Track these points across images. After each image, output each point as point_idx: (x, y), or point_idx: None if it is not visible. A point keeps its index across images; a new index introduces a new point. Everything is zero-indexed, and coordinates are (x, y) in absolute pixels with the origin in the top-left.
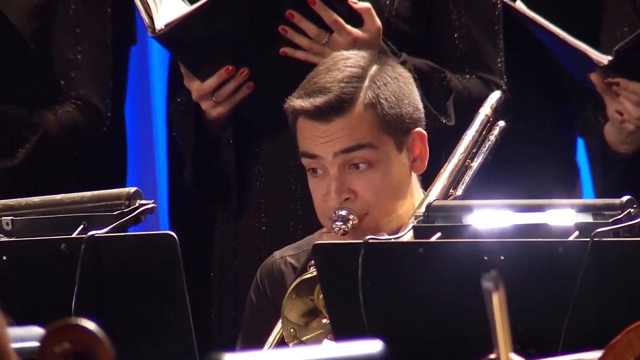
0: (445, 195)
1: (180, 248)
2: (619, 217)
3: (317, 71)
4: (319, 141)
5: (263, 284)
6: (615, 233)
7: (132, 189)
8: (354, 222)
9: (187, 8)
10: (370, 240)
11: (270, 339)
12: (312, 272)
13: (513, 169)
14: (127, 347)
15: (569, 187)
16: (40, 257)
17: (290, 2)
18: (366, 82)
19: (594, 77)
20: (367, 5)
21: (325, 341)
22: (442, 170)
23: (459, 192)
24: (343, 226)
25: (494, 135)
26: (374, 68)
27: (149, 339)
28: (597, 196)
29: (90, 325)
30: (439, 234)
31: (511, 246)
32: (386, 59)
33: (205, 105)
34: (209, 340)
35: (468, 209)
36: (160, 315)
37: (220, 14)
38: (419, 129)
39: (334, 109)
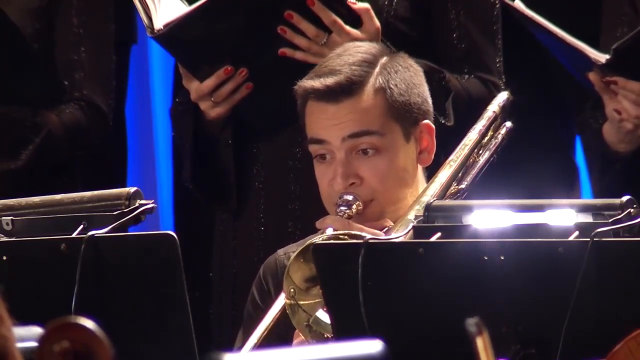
0: (448, 187)
1: (180, 248)
2: (619, 217)
3: (329, 57)
4: (327, 124)
5: (266, 281)
6: (615, 233)
7: (132, 189)
8: (359, 207)
9: (186, 8)
10: (370, 240)
11: (267, 318)
12: (323, 236)
13: (512, 169)
14: (127, 347)
15: (567, 187)
16: (40, 257)
17: (289, 3)
18: (377, 68)
19: (592, 76)
20: (366, 5)
21: (320, 311)
22: (446, 162)
23: (463, 186)
24: (347, 210)
25: (500, 135)
26: (386, 57)
27: (149, 339)
28: (595, 196)
29: (89, 324)
30: (439, 234)
31: (511, 246)
32: (397, 52)
33: (204, 105)
34: (209, 340)
35: (468, 209)
36: (160, 315)
37: (219, 14)
38: (427, 121)
39: (344, 89)
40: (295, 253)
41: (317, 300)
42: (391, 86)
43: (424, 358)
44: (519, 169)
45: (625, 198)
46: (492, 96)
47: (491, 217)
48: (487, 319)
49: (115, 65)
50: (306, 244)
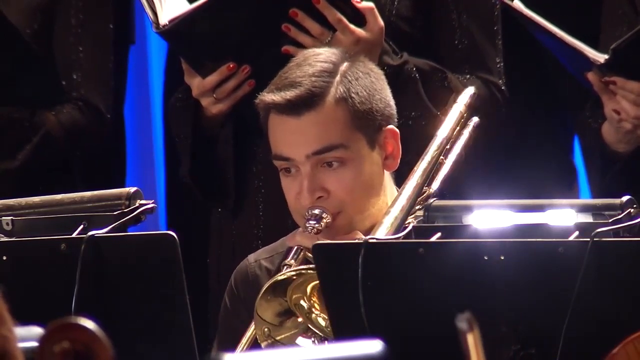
0: (420, 192)
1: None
2: (619, 217)
3: (288, 67)
4: (290, 139)
5: (237, 288)
6: (615, 233)
7: (132, 189)
8: (328, 220)
9: (192, 4)
10: (370, 240)
11: (244, 340)
12: (285, 273)
13: (510, 170)
14: (127, 347)
15: (566, 188)
16: (40, 257)
17: (294, 1)
18: (337, 77)
19: (591, 76)
20: (371, 4)
21: (299, 339)
22: (415, 168)
23: (433, 189)
24: (317, 225)
25: (467, 132)
26: (345, 64)
27: (149, 339)
28: (594, 196)
29: (89, 324)
30: (439, 234)
31: (511, 246)
32: (357, 56)
33: (205, 101)
34: (206, 340)
35: (468, 209)
36: (160, 315)
37: (224, 11)
38: (391, 126)
39: (305, 102)
40: (260, 294)
41: (293, 332)
42: (352, 95)
43: (423, 358)
44: (517, 169)
45: (625, 198)
46: (493, 96)
47: (491, 217)
48: (487, 319)
49: (114, 66)
50: (269, 282)
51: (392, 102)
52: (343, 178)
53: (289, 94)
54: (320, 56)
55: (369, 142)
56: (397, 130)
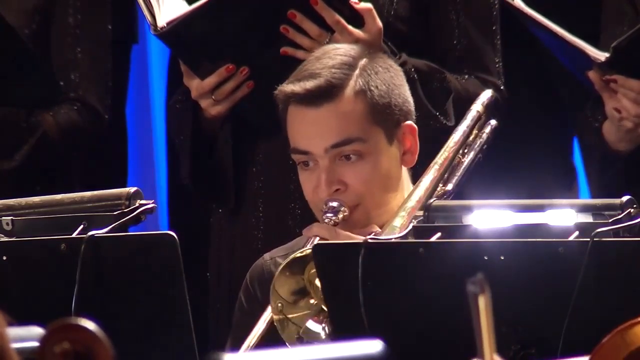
0: (434, 189)
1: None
2: (619, 217)
3: (308, 60)
4: (309, 131)
5: (253, 286)
6: (615, 233)
7: (132, 189)
8: (345, 213)
9: (190, 6)
10: (370, 240)
11: (256, 328)
12: (304, 250)
13: (510, 170)
14: (127, 347)
15: (565, 188)
16: (40, 257)
17: (292, 2)
18: (357, 71)
19: (591, 74)
20: (369, 6)
21: (310, 322)
22: (431, 165)
23: (449, 187)
24: (334, 217)
25: (485, 134)
26: (365, 58)
27: (149, 339)
28: (594, 195)
29: (90, 325)
30: (439, 234)
31: (511, 246)
32: (376, 52)
33: (204, 103)
34: (206, 340)
35: (468, 209)
36: (160, 315)
37: (223, 12)
38: (409, 122)
39: (324, 93)
40: (280, 268)
41: (305, 312)
42: (371, 88)
43: (424, 358)
44: (517, 169)
45: (625, 198)
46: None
47: (491, 217)
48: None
49: (115, 65)
50: (290, 258)
51: (411, 99)
52: (361, 171)
53: (309, 84)
54: (340, 50)
55: (387, 137)
56: (416, 127)
